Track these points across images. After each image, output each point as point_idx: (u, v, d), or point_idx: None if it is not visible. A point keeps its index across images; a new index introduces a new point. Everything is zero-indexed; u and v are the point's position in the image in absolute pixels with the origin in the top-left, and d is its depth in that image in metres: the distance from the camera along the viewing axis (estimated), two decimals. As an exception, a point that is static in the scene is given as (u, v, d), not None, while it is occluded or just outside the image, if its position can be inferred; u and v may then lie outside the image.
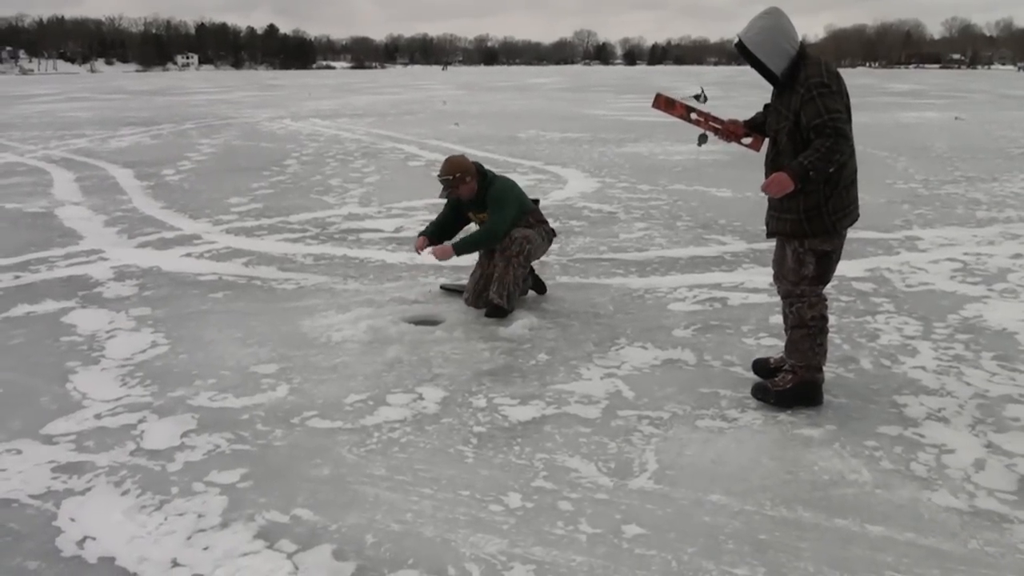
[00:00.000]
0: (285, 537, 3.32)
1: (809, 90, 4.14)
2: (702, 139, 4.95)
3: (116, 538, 3.37)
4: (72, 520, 3.51)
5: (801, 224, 4.33)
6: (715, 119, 4.87)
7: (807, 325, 4.50)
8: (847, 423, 4.28)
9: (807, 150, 4.13)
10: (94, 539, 3.37)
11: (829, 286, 6.56)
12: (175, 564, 3.18)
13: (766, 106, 4.61)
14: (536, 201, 6.48)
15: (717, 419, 4.34)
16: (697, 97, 5.10)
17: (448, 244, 6.16)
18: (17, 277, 7.47)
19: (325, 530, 3.36)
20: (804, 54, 4.31)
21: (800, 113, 4.18)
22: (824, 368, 4.61)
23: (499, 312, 6.01)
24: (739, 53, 4.37)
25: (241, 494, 3.66)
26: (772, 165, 4.41)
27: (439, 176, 6.13)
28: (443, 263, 6.70)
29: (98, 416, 4.52)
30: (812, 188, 4.21)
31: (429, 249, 6.22)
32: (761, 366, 4.91)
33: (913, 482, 3.70)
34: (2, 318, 6.25)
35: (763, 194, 4.34)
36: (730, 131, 4.78)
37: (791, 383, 4.53)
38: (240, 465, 3.91)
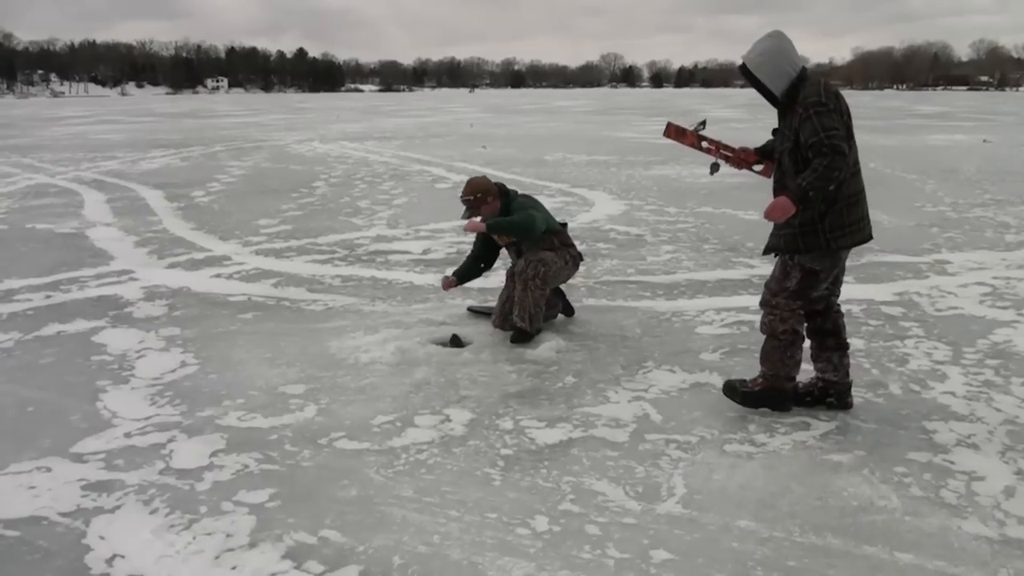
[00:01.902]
0: (313, 558, 3.33)
1: (806, 109, 4.22)
2: (714, 168, 5.00)
3: (145, 557, 3.38)
4: (101, 538, 3.53)
5: (795, 239, 4.40)
6: (726, 147, 4.92)
7: (777, 337, 4.59)
8: (876, 449, 4.24)
9: (806, 171, 4.18)
10: (123, 557, 3.39)
11: (858, 308, 6.61)
12: (203, 584, 3.20)
13: (774, 130, 4.65)
14: (564, 224, 6.50)
15: (745, 444, 4.31)
16: (700, 126, 5.14)
17: (481, 220, 6.14)
18: (48, 297, 7.56)
19: (352, 551, 3.37)
20: (804, 76, 4.37)
21: (799, 132, 4.25)
22: (858, 393, 4.58)
23: (524, 336, 6.01)
24: (743, 75, 4.49)
25: (269, 514, 3.67)
26: (778, 186, 4.48)
27: (461, 197, 6.17)
28: (465, 286, 6.72)
29: (128, 435, 4.55)
30: (809, 204, 4.25)
31: (464, 223, 6.21)
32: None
33: (943, 509, 3.66)
34: (33, 337, 6.32)
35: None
36: (741, 159, 4.87)
37: (760, 386, 4.68)
38: (268, 485, 3.93)
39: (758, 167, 4.89)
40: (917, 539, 3.42)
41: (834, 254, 4.45)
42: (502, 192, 6.23)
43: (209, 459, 4.22)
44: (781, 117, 4.47)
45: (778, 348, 4.59)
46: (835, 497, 3.76)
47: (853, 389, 4.85)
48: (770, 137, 4.77)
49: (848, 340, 4.80)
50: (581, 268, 8.15)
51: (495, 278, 7.90)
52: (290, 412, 4.80)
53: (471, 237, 9.93)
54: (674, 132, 5.08)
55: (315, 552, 3.37)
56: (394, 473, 4.03)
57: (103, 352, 5.96)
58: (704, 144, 4.99)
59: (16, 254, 9.57)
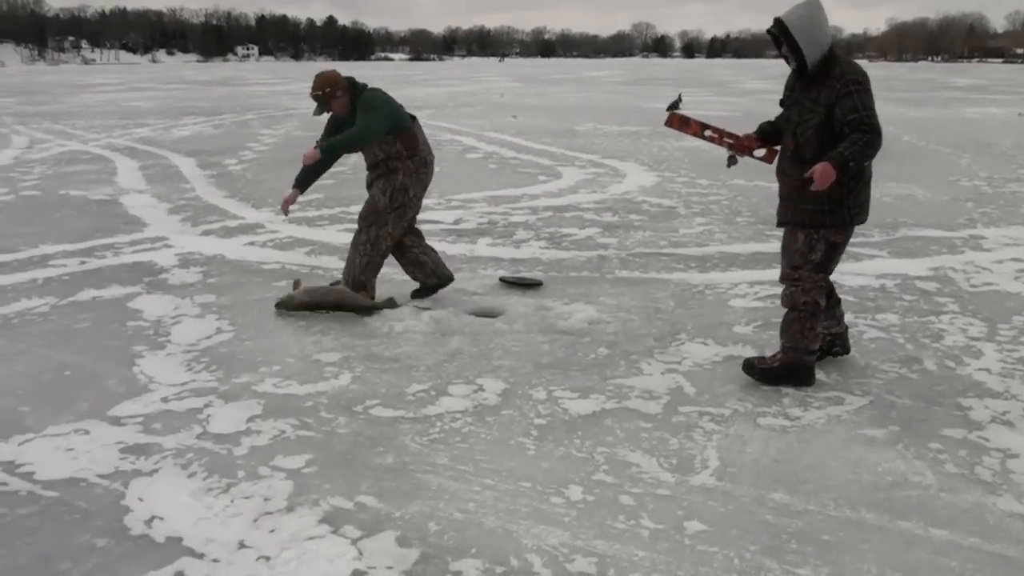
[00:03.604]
0: (350, 523, 3.37)
1: (846, 85, 4.26)
2: (731, 161, 5.01)
3: (183, 519, 3.44)
4: (140, 500, 3.59)
5: (822, 215, 4.46)
6: (729, 134, 4.93)
7: (798, 309, 4.63)
8: (911, 425, 4.22)
9: (844, 143, 4.21)
10: (162, 519, 3.44)
11: (892, 283, 6.57)
12: (241, 546, 3.25)
13: (785, 101, 4.65)
14: (414, 119, 6.21)
15: (779, 417, 4.31)
16: (676, 103, 5.13)
17: (314, 148, 5.89)
18: (83, 263, 7.64)
19: (389, 517, 3.41)
20: (834, 51, 4.39)
21: (835, 107, 4.27)
22: (893, 369, 4.56)
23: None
24: (776, 34, 4.39)
25: (306, 479, 3.72)
26: (794, 158, 4.51)
27: (311, 93, 5.95)
28: (498, 256, 6.70)
29: (165, 399, 4.62)
30: (838, 182, 4.27)
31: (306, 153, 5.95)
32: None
33: (978, 486, 3.65)
34: (69, 302, 6.40)
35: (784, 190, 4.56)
36: (744, 145, 4.88)
37: (779, 362, 4.71)
38: (305, 451, 3.98)
39: (759, 153, 4.92)
40: (952, 515, 3.42)
41: (850, 228, 4.55)
42: (351, 85, 6.01)
43: (246, 424, 4.28)
44: (805, 88, 4.45)
45: (798, 320, 4.62)
46: (869, 472, 3.76)
47: (888, 364, 4.95)
48: (761, 121, 4.85)
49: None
50: (613, 239, 8.18)
51: (527, 248, 7.91)
52: (325, 380, 4.85)
53: (501, 207, 9.97)
54: (677, 122, 5.08)
55: (352, 517, 3.41)
56: (429, 441, 4.07)
57: (139, 318, 6.03)
58: (707, 133, 5.01)
59: (51, 220, 9.66)
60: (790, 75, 4.63)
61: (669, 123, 5.11)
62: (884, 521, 3.37)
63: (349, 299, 6.00)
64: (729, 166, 5.04)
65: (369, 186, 6.21)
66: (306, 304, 6.01)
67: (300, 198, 6.39)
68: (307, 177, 6.25)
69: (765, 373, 4.70)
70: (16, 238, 8.65)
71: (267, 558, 3.16)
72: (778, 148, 4.80)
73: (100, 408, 4.51)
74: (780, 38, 4.36)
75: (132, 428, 4.28)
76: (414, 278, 6.40)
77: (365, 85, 6.11)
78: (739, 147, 4.87)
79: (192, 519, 3.44)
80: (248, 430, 4.22)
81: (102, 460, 3.95)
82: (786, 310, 4.69)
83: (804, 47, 4.31)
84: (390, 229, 6.09)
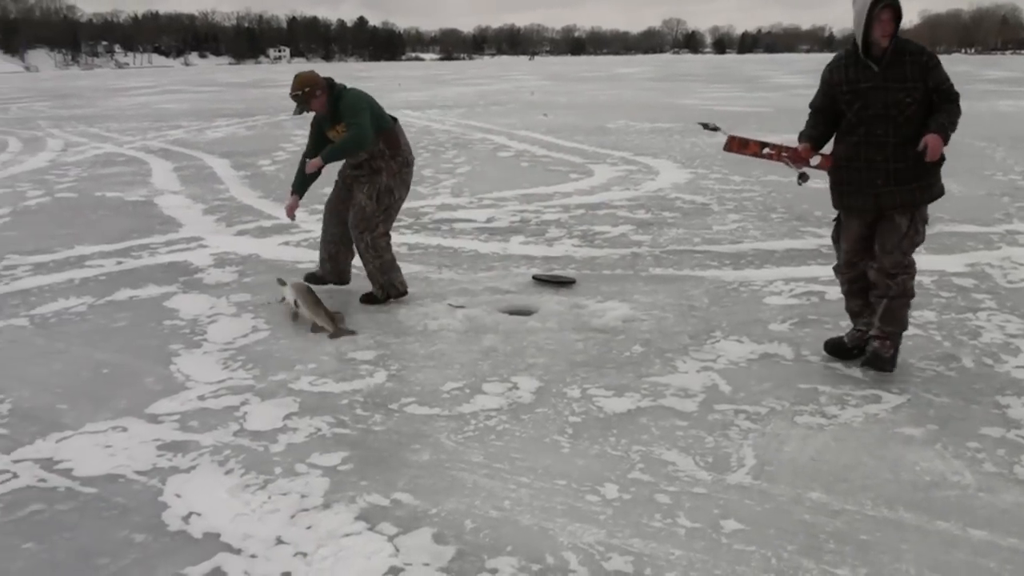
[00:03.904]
0: (386, 520, 3.38)
1: (931, 57, 4.45)
2: (802, 178, 4.90)
3: (221, 515, 3.47)
4: (178, 496, 3.63)
5: (929, 189, 4.59)
6: (786, 148, 4.86)
7: (909, 295, 4.72)
8: (949, 423, 4.17)
9: (939, 114, 4.39)
10: (199, 515, 3.48)
11: (929, 280, 6.52)
12: (279, 542, 3.27)
13: (854, 90, 4.56)
14: (395, 120, 6.37)
15: (816, 415, 4.27)
16: (706, 126, 5.13)
17: (316, 159, 6.07)
18: (120, 263, 7.73)
19: (425, 514, 3.42)
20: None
21: (927, 79, 4.41)
22: (930, 367, 4.72)
23: (372, 299, 6.30)
24: (892, 11, 4.39)
25: (343, 476, 3.74)
26: (895, 140, 4.48)
27: (290, 93, 6.04)
28: (530, 254, 6.70)
29: (201, 397, 4.66)
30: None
31: (308, 164, 6.13)
32: (835, 346, 5.05)
33: (1017, 486, 3.60)
34: (106, 302, 6.48)
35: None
36: (800, 156, 4.82)
37: (891, 349, 4.76)
38: (341, 448, 4.00)
39: (815, 161, 4.84)
40: (991, 515, 3.37)
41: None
42: (329, 85, 6.13)
43: (282, 422, 4.31)
44: (887, 70, 4.45)
45: (906, 306, 4.74)
46: (907, 471, 3.72)
47: (925, 361, 4.94)
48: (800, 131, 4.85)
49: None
50: (646, 236, 8.16)
51: (559, 246, 7.91)
52: (360, 377, 4.87)
53: (533, 205, 9.96)
54: (737, 145, 5.05)
55: (388, 514, 3.43)
56: (464, 439, 4.08)
57: (175, 317, 6.09)
58: (765, 151, 4.95)
59: (87, 221, 9.78)
60: (843, 68, 4.61)
61: (728, 147, 5.08)
62: (922, 521, 3.34)
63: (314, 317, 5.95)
64: (801, 183, 4.92)
65: (346, 182, 6.34)
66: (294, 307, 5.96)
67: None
68: (303, 182, 6.41)
69: (891, 361, 4.77)
70: (53, 239, 8.77)
71: (304, 554, 3.18)
72: (828, 153, 4.76)
73: (138, 406, 4.57)
74: (890, 8, 4.40)
75: (169, 425, 4.32)
76: (324, 264, 6.62)
77: (343, 85, 6.23)
78: (797, 159, 4.82)
79: (229, 515, 3.47)
80: (284, 427, 4.25)
81: (140, 457, 3.99)
82: (893, 298, 4.68)
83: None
84: (382, 229, 6.23)
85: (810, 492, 3.55)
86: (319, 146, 6.26)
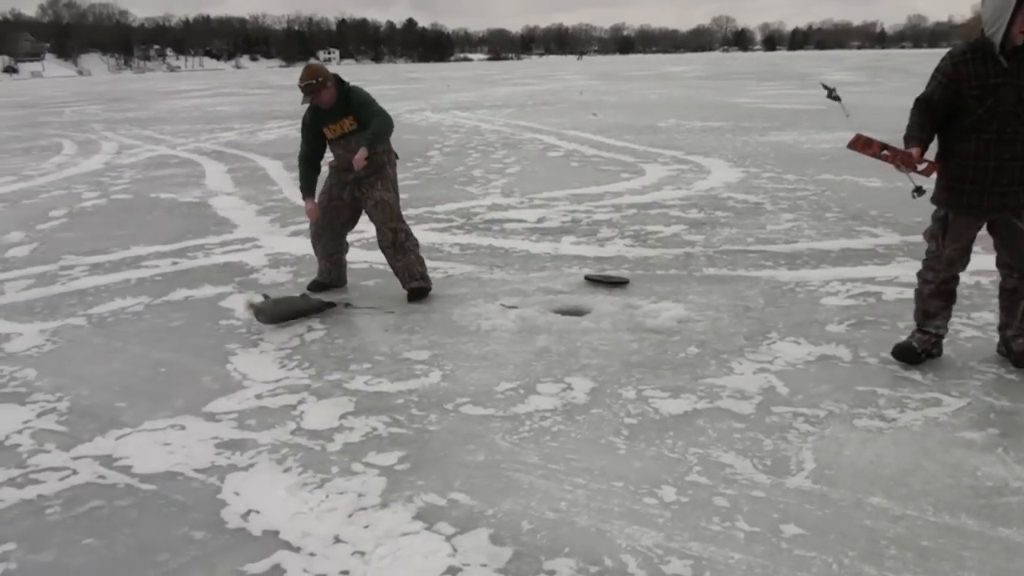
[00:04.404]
0: (443, 520, 3.39)
1: None
2: (918, 192, 4.73)
3: (279, 513, 3.50)
4: (236, 494, 3.67)
5: None
6: (902, 153, 4.70)
7: None
8: (1011, 428, 4.07)
9: None
10: (258, 513, 3.51)
11: (987, 280, 6.36)
12: (337, 540, 3.29)
13: (986, 86, 4.42)
14: None
15: (875, 419, 4.20)
16: (831, 94, 4.98)
17: (361, 149, 6.14)
18: (175, 263, 7.85)
19: (482, 515, 3.42)
20: None
21: None
22: (990, 369, 4.58)
23: (423, 292, 6.44)
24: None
25: (399, 476, 3.75)
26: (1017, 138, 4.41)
27: (301, 82, 6.17)
28: (582, 254, 6.67)
29: (259, 396, 4.71)
30: None
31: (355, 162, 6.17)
32: (906, 351, 4.91)
33: (1083, 493, 3.51)
34: (162, 301, 6.57)
35: None
36: (911, 161, 4.63)
37: None
38: (397, 448, 4.02)
39: (921, 166, 4.68)
40: (1056, 522, 3.29)
41: None
42: (338, 80, 6.33)
43: (339, 421, 4.34)
44: (1015, 66, 4.35)
45: None
46: (968, 476, 3.64)
47: (985, 364, 4.85)
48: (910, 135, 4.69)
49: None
50: (699, 236, 8.10)
51: (611, 246, 7.87)
52: (415, 377, 4.89)
53: (584, 205, 9.93)
54: (861, 144, 4.90)
55: (445, 514, 3.43)
56: (519, 439, 4.07)
57: (231, 316, 6.16)
58: (884, 153, 4.80)
59: (142, 222, 9.94)
60: (969, 62, 4.44)
61: (853, 145, 4.95)
62: (985, 528, 3.26)
63: (304, 305, 6.09)
64: (917, 196, 4.75)
65: (351, 191, 6.52)
66: (274, 315, 5.94)
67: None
68: (310, 183, 6.61)
69: None
70: (109, 240, 8.92)
71: (362, 553, 3.20)
72: (932, 160, 4.64)
73: (195, 404, 4.62)
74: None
75: (227, 424, 4.37)
76: (327, 272, 6.80)
77: (348, 82, 6.42)
78: (908, 163, 4.63)
79: (288, 513, 3.50)
80: (341, 427, 4.27)
81: (198, 455, 4.04)
82: None
83: None
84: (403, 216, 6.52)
85: (870, 497, 3.49)
86: (316, 147, 6.50)
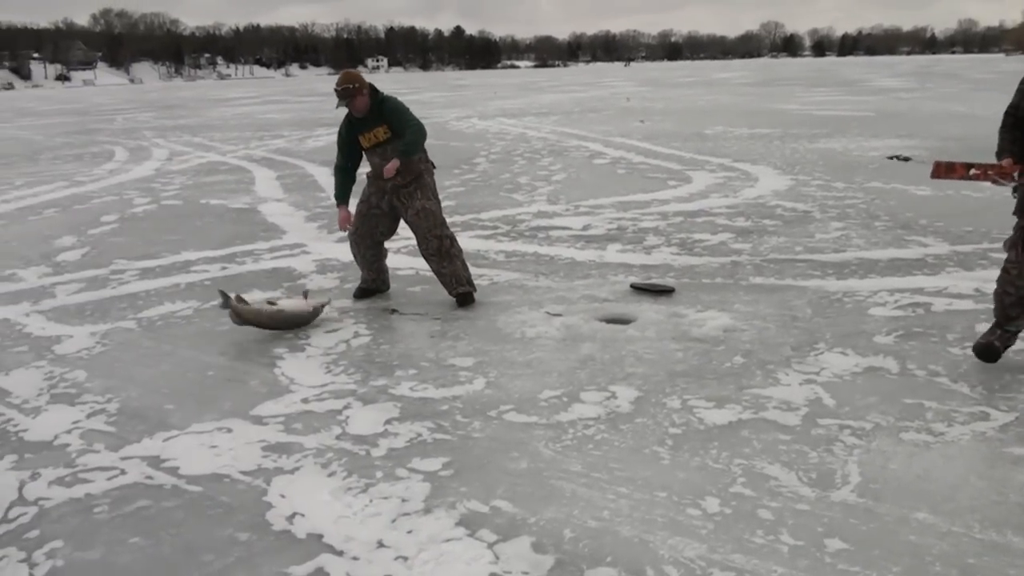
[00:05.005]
0: (486, 527, 3.40)
1: None
2: (1017, 191, 4.77)
3: (324, 516, 3.54)
4: (282, 497, 3.71)
5: None
6: (991, 166, 4.72)
7: None
8: (1061, 443, 4.00)
9: None
10: (303, 516, 3.55)
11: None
12: (380, 545, 3.31)
13: None
14: None
15: (923, 432, 4.14)
16: (898, 157, 5.09)
17: (393, 159, 6.22)
18: (224, 268, 7.96)
19: (524, 523, 3.42)
20: None
21: None
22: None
23: (471, 298, 6.49)
24: None
25: (443, 482, 3.77)
26: None
27: (337, 87, 6.28)
28: (628, 263, 6.65)
29: (305, 400, 4.76)
30: None
31: (387, 171, 6.24)
32: (989, 350, 4.91)
33: None
34: (211, 306, 6.65)
35: None
36: (1007, 172, 4.68)
37: None
38: (441, 454, 4.04)
39: (1018, 175, 4.68)
40: (1105, 541, 3.23)
41: None
42: (372, 89, 6.40)
43: (383, 426, 4.37)
44: None
45: None
46: (1016, 493, 3.57)
47: None
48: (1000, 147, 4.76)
49: None
50: (747, 244, 8.05)
51: (657, 254, 7.84)
52: (460, 384, 4.91)
53: (630, 212, 9.91)
54: (944, 171, 4.99)
55: (488, 521, 3.44)
56: (562, 447, 4.07)
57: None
58: (972, 172, 4.86)
59: (192, 228, 10.09)
60: None
61: (935, 174, 5.04)
62: (1033, 545, 3.21)
63: (292, 318, 6.04)
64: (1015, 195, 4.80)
65: (390, 201, 6.55)
66: (253, 321, 5.93)
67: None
68: (344, 192, 6.68)
69: None
70: (159, 245, 9.07)
71: (405, 558, 3.22)
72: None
73: (242, 407, 4.69)
74: None
75: (274, 427, 4.42)
76: (371, 279, 6.84)
77: (383, 92, 6.51)
78: (1003, 174, 4.69)
79: (332, 517, 3.53)
80: (386, 432, 4.30)
81: (245, 457, 4.09)
82: None
83: None
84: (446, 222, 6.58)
85: (916, 512, 3.44)
86: (352, 155, 6.57)
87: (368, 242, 6.63)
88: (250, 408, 4.67)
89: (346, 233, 6.80)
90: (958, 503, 3.50)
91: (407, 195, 6.42)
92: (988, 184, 4.83)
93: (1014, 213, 4.73)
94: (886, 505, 3.49)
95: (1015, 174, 4.63)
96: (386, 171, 6.17)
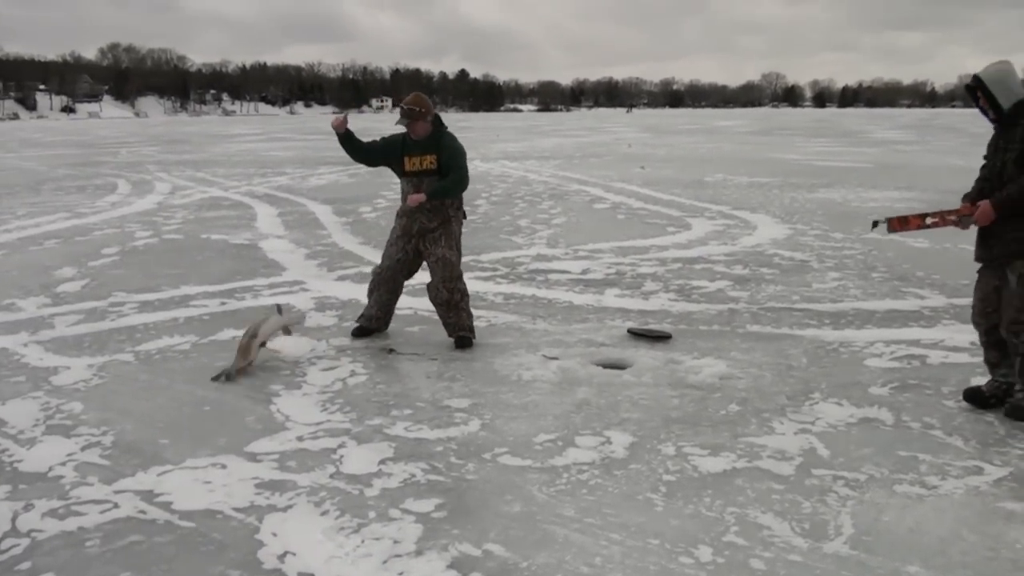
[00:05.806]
0: (477, 570, 3.39)
1: None
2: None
3: (315, 556, 3.53)
4: (274, 535, 3.70)
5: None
6: (948, 212, 5.04)
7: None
8: (1055, 499, 4.00)
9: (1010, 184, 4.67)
10: (294, 555, 3.54)
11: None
12: (371, 587, 3.30)
13: (986, 159, 4.96)
14: None
15: (916, 485, 4.14)
16: (875, 224, 5.34)
17: (422, 192, 6.33)
18: (223, 303, 7.97)
19: (516, 567, 3.42)
20: None
21: None
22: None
23: (469, 342, 6.52)
24: (972, 88, 4.88)
25: (435, 524, 3.77)
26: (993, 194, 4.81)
27: (404, 104, 6.30)
28: (625, 307, 6.68)
29: (300, 438, 4.75)
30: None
31: (411, 199, 6.34)
32: (974, 394, 5.14)
33: None
34: (209, 341, 6.67)
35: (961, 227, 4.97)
36: (964, 213, 4.97)
37: None
38: (434, 495, 4.03)
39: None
40: (1100, 600, 3.22)
41: None
42: (437, 118, 6.44)
43: (378, 466, 4.36)
44: (1000, 134, 4.87)
45: None
46: (1008, 549, 3.57)
47: None
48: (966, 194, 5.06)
49: None
50: (744, 292, 8.08)
51: (655, 300, 7.87)
52: (455, 425, 4.91)
53: (629, 258, 9.95)
54: (898, 224, 5.24)
55: (479, 565, 3.43)
56: (556, 492, 4.07)
57: (276, 358, 6.22)
58: (928, 220, 5.14)
59: (192, 262, 10.11)
60: (992, 135, 4.96)
61: (891, 229, 5.29)
62: (1025, 602, 3.21)
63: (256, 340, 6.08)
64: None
65: (414, 243, 6.59)
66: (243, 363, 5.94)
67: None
68: (353, 145, 6.55)
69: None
70: (159, 279, 9.10)
71: (396, 601, 3.21)
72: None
73: (237, 444, 4.68)
74: (977, 90, 4.84)
75: (268, 464, 4.41)
76: (376, 319, 6.82)
77: (447, 128, 6.55)
78: (959, 216, 4.99)
79: (324, 556, 3.52)
80: (380, 472, 4.30)
81: (238, 494, 4.09)
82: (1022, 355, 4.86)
83: (998, 95, 4.78)
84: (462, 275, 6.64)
85: (908, 565, 3.43)
86: (383, 158, 6.57)
87: (390, 285, 6.68)
88: (245, 444, 4.67)
89: (337, 124, 6.49)
90: (950, 557, 3.50)
91: (432, 240, 6.49)
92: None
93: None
94: (878, 558, 3.49)
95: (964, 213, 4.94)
96: (411, 199, 6.28)
